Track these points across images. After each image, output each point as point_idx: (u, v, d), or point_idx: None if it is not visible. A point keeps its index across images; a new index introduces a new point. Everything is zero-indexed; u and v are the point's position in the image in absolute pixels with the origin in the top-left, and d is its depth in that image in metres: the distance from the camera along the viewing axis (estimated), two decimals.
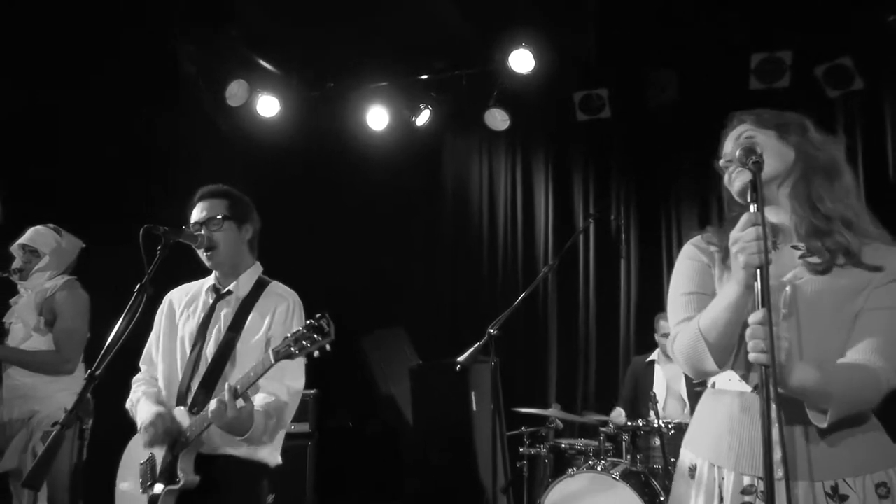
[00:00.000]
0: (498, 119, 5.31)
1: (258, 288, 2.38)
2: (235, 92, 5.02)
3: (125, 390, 2.52)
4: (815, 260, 1.53)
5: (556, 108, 5.33)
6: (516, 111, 5.27)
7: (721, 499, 1.53)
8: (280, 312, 2.31)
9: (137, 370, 2.54)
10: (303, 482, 3.95)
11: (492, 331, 3.43)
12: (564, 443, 4.03)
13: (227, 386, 2.07)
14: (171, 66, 4.52)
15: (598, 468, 3.58)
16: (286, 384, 2.24)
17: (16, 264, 3.12)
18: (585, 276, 5.37)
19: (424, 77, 5.34)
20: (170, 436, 2.20)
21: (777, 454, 1.41)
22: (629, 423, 3.75)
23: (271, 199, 5.43)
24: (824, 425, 1.42)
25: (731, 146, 1.63)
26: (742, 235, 1.40)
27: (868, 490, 1.45)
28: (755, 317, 1.37)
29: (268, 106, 5.21)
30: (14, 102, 3.84)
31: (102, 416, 3.11)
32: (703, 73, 4.77)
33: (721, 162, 1.63)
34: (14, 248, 3.16)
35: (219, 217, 2.33)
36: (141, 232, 1.98)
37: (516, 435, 4.18)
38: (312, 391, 4.07)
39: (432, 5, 4.67)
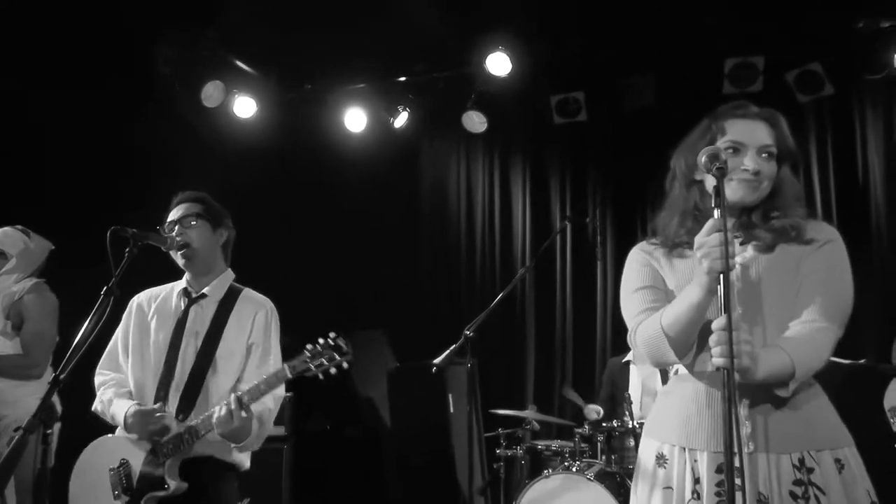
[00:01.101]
0: (476, 122, 5.32)
1: (232, 293, 2.39)
2: (211, 93, 4.98)
3: (94, 394, 2.49)
4: (759, 241, 1.63)
5: (533, 112, 5.36)
6: (494, 114, 5.29)
7: (696, 480, 1.57)
8: (259, 319, 2.34)
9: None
10: (279, 486, 3.92)
11: (468, 332, 3.45)
12: (541, 444, 4.05)
13: (232, 396, 2.09)
14: (146, 67, 4.47)
15: (573, 469, 3.61)
16: (272, 392, 2.24)
17: None
18: (563, 277, 5.40)
19: (402, 79, 5.34)
20: (152, 433, 2.18)
21: (747, 429, 1.53)
22: (604, 424, 3.78)
23: (249, 200, 5.42)
24: (787, 394, 1.51)
25: (743, 136, 1.60)
26: (707, 241, 1.45)
27: (828, 463, 1.54)
28: (719, 323, 1.43)
29: (244, 107, 5.17)
30: None
31: (71, 421, 3.07)
32: (679, 77, 4.82)
33: (722, 144, 1.61)
34: None
35: (193, 217, 2.34)
36: (108, 234, 1.97)
37: (493, 436, 4.20)
38: (288, 394, 4.05)
39: (410, 8, 4.68)
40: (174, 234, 2.29)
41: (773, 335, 1.57)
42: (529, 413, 4.04)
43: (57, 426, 3.15)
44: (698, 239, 1.47)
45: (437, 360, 3.52)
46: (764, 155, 1.62)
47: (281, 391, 2.29)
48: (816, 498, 1.50)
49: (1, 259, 3.10)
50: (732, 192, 1.62)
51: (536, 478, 3.61)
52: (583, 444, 3.84)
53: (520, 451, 4.04)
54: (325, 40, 4.92)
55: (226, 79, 5.05)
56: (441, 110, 5.49)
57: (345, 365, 2.00)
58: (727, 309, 1.39)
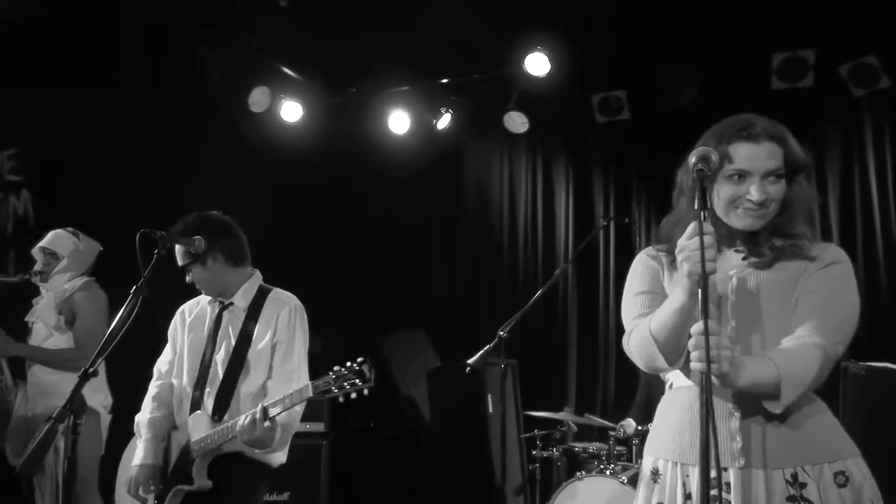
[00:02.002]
0: (517, 122, 5.31)
1: (260, 296, 2.48)
2: (258, 98, 5.13)
3: (141, 388, 2.64)
4: (758, 259, 1.59)
5: (575, 111, 5.31)
6: (535, 114, 5.27)
7: (687, 496, 1.55)
8: (283, 319, 2.41)
9: (148, 372, 2.66)
10: (317, 481, 4.01)
11: (501, 333, 3.46)
12: (578, 446, 4.02)
13: (259, 406, 2.18)
14: (193, 73, 4.65)
15: (608, 472, 3.57)
16: (290, 387, 2.30)
17: (37, 266, 3.28)
18: (606, 278, 5.33)
19: (444, 81, 5.38)
20: (156, 475, 2.37)
21: (737, 444, 1.50)
22: (639, 428, 3.72)
23: (295, 202, 5.60)
24: (779, 410, 1.47)
25: (749, 163, 1.55)
26: (688, 244, 1.43)
27: (826, 478, 1.48)
28: (697, 327, 1.41)
29: (291, 111, 5.31)
30: (43, 107, 4.01)
31: (120, 414, 3.24)
32: (724, 72, 4.70)
33: (728, 172, 1.56)
34: (35, 251, 3.32)
35: (187, 264, 2.44)
36: (137, 236, 2.07)
37: (530, 438, 4.19)
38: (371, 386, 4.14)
39: (450, 11, 4.72)
40: (198, 237, 2.37)
41: (768, 348, 1.53)
42: (564, 415, 4.01)
43: (108, 419, 3.34)
44: (680, 242, 1.46)
45: (470, 360, 3.55)
46: (772, 178, 1.57)
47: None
48: None
49: (53, 259, 3.29)
50: (738, 220, 1.59)
51: (570, 480, 3.60)
52: (619, 447, 3.79)
53: (556, 453, 4.02)
54: (369, 44, 5.01)
55: (272, 84, 5.20)
56: (483, 111, 5.50)
57: (365, 392, 2.07)
58: (705, 313, 1.37)
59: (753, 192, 1.55)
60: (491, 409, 4.58)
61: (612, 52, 4.86)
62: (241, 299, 2.46)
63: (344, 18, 4.72)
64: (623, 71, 5.02)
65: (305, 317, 2.49)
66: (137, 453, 2.43)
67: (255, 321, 2.42)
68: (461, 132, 5.68)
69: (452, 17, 4.74)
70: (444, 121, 5.44)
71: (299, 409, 2.32)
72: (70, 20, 4.06)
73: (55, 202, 4.08)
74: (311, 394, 2.11)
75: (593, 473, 3.61)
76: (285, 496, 3.97)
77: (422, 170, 5.67)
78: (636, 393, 4.48)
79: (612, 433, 3.76)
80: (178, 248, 2.41)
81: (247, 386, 2.37)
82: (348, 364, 2.07)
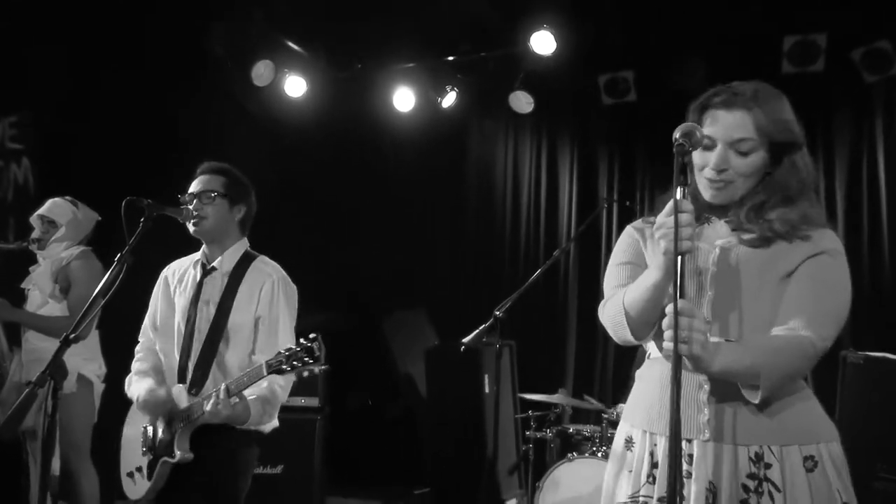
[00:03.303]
0: (523, 102, 5.26)
1: (243, 262, 2.44)
2: (262, 72, 5.10)
3: (129, 355, 2.64)
4: (750, 236, 1.53)
5: (581, 92, 5.24)
6: (541, 94, 5.21)
7: (654, 465, 1.54)
8: (266, 291, 2.37)
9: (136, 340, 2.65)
10: (311, 456, 4.03)
11: (497, 313, 3.44)
12: (572, 428, 4.02)
13: (222, 387, 2.17)
14: (198, 46, 4.62)
15: (599, 454, 3.57)
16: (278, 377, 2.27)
17: (35, 234, 3.29)
18: (607, 260, 5.26)
19: (450, 59, 5.32)
20: (164, 412, 2.33)
21: (704, 416, 1.48)
22: None
23: (298, 179, 5.59)
24: (757, 401, 1.43)
25: (715, 130, 1.49)
26: (666, 221, 1.40)
27: (794, 461, 1.45)
28: (671, 307, 1.37)
29: (295, 86, 5.28)
30: (46, 76, 4.01)
31: (114, 383, 3.26)
32: (733, 55, 4.61)
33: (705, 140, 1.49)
34: (33, 219, 3.32)
35: (213, 193, 2.39)
36: (123, 203, 2.06)
37: (524, 418, 4.20)
38: (325, 367, 4.14)
39: None
40: (192, 206, 2.36)
41: (748, 324, 1.50)
42: (558, 397, 4.01)
43: (101, 388, 3.36)
44: (659, 219, 1.42)
45: (465, 340, 3.54)
46: (739, 149, 1.50)
47: (291, 375, 2.30)
48: (770, 495, 1.43)
49: (52, 227, 3.30)
50: (704, 191, 1.55)
51: (561, 461, 3.60)
52: (612, 431, 3.78)
53: (550, 434, 4.02)
54: (374, 20, 4.96)
55: (276, 58, 5.16)
56: (489, 90, 5.44)
57: (316, 370, 2.07)
58: (676, 292, 1.34)
59: (711, 160, 1.50)
60: (487, 390, 4.59)
61: (620, 33, 4.78)
62: (224, 264, 2.42)
63: None
64: (631, 52, 4.94)
65: (291, 287, 2.45)
66: (134, 396, 2.41)
67: (237, 288, 2.38)
68: (466, 111, 5.64)
69: None
70: (449, 99, 5.39)
71: (283, 382, 2.30)
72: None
73: (56, 171, 4.08)
74: (265, 372, 2.10)
75: (585, 455, 3.61)
76: (279, 469, 3.99)
77: (426, 148, 5.63)
78: (632, 376, 4.46)
79: (606, 416, 3.76)
80: (213, 175, 2.41)
81: (230, 357, 2.34)
82: (300, 341, 2.06)
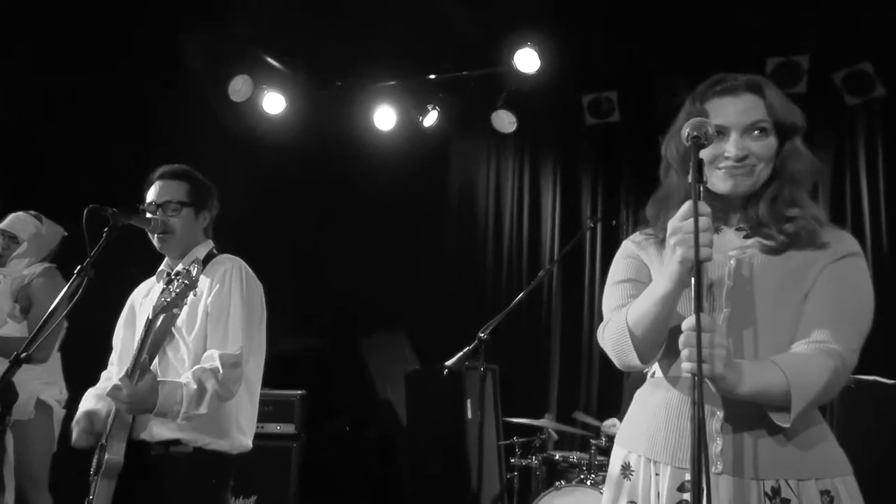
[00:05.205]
0: (505, 121, 5.21)
1: (206, 261, 2.25)
2: (239, 87, 4.99)
3: (94, 379, 2.46)
4: (769, 242, 1.42)
5: (564, 112, 5.22)
6: (524, 114, 5.17)
7: (658, 495, 1.41)
8: (217, 279, 2.18)
9: (105, 361, 2.48)
10: (286, 485, 3.85)
11: (482, 335, 3.33)
12: (558, 454, 3.89)
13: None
14: (175, 59, 4.49)
15: (588, 482, 3.45)
16: (220, 350, 2.10)
17: None
18: (591, 281, 5.21)
19: (432, 77, 5.26)
20: (101, 429, 2.12)
21: (717, 447, 1.36)
22: None
23: (276, 196, 5.44)
24: (788, 424, 1.31)
25: (725, 117, 1.42)
26: (681, 226, 1.27)
27: (811, 495, 1.34)
28: (689, 322, 1.25)
29: (273, 103, 5.18)
30: (15, 89, 3.85)
31: (73, 403, 3.07)
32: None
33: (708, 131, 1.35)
34: None
35: (177, 202, 2.24)
36: (85, 212, 1.91)
37: (508, 445, 4.06)
38: (299, 392, 3.99)
39: (441, 5, 4.60)
40: (157, 215, 2.21)
41: (765, 344, 1.38)
42: (545, 422, 3.88)
43: (61, 414, 3.17)
44: (672, 223, 1.29)
45: (448, 363, 3.42)
46: (755, 133, 1.42)
47: (232, 349, 2.09)
48: None
49: (13, 243, 3.13)
50: (720, 182, 1.43)
51: (548, 489, 3.47)
52: (600, 457, 3.66)
53: (535, 462, 3.88)
54: (356, 37, 4.88)
55: (254, 74, 5.06)
56: (471, 109, 5.39)
57: (192, 295, 1.89)
58: (698, 306, 1.20)
59: (731, 148, 1.41)
60: (470, 415, 4.45)
61: (604, 53, 4.76)
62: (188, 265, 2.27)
63: (330, 9, 4.59)
64: (614, 72, 4.92)
65: (250, 278, 2.24)
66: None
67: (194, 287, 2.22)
68: (448, 130, 5.57)
69: (442, 13, 4.63)
70: (430, 118, 5.32)
71: (227, 371, 2.06)
72: (48, 3, 3.91)
73: (19, 183, 3.90)
74: (151, 316, 1.93)
75: (573, 483, 3.48)
76: (251, 500, 3.80)
77: (407, 168, 5.54)
78: (622, 396, 4.36)
79: (594, 441, 3.64)
80: (175, 182, 2.25)
81: (172, 354, 2.14)
82: (182, 269, 1.91)
